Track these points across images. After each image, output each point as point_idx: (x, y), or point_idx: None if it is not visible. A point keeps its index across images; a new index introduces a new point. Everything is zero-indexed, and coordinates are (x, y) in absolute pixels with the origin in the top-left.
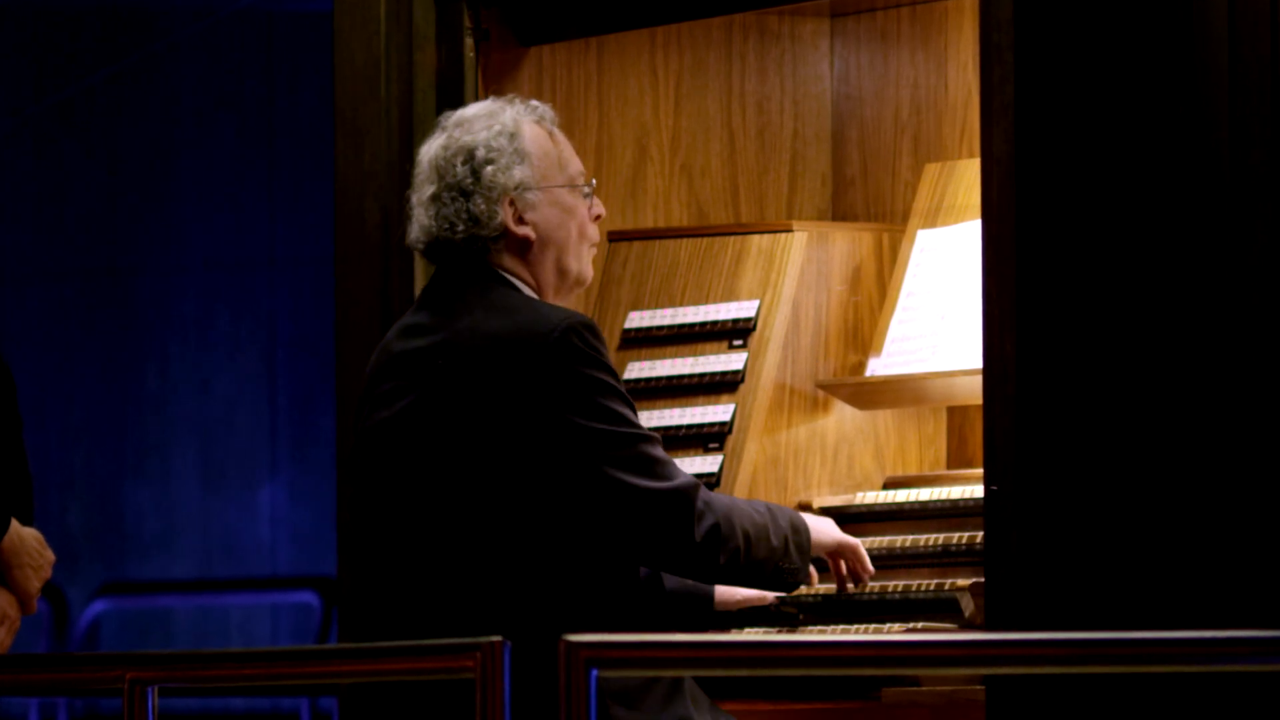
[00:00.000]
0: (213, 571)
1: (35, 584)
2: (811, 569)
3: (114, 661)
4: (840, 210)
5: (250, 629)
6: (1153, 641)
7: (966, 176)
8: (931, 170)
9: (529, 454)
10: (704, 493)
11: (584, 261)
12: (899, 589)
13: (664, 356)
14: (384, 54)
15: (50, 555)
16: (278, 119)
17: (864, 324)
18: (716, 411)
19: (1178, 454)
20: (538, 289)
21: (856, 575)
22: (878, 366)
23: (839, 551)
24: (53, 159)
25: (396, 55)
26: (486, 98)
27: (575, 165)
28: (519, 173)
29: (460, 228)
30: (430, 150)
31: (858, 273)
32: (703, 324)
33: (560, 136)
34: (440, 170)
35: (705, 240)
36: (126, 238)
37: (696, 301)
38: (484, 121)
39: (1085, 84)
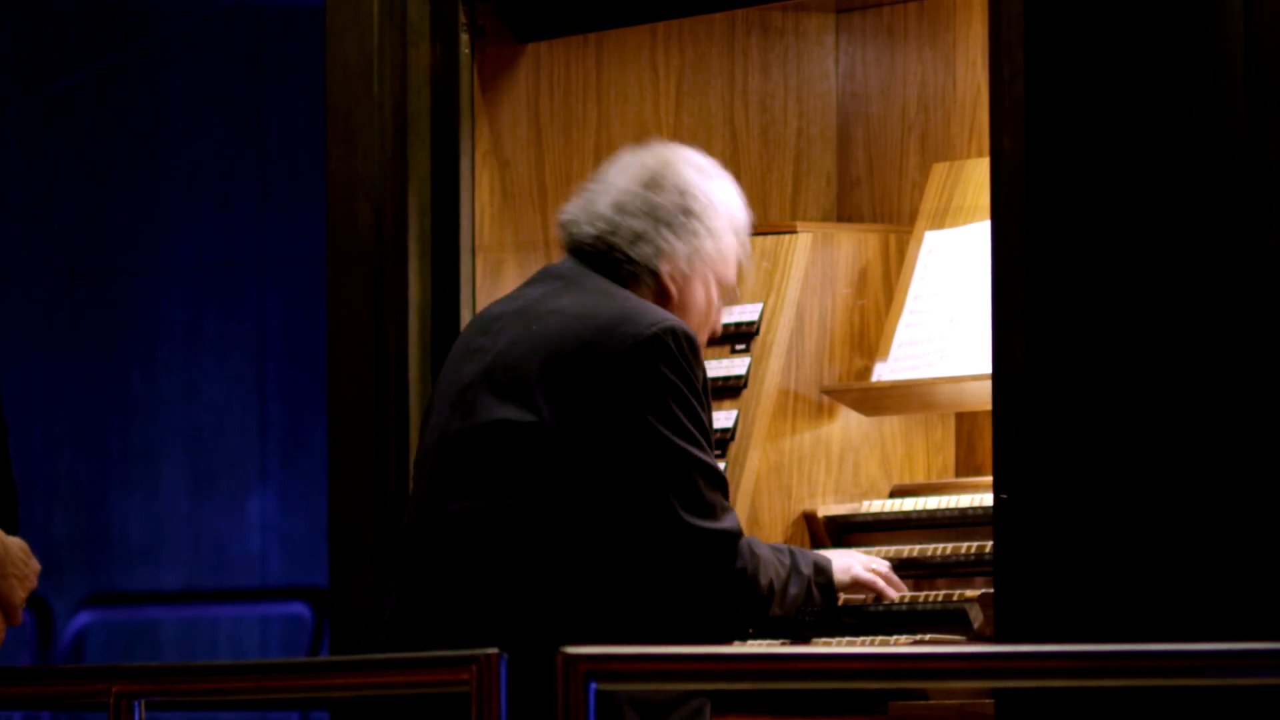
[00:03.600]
0: (201, 582)
1: (20, 594)
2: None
3: (100, 674)
4: (846, 211)
5: (240, 641)
6: (1167, 654)
7: (975, 176)
8: (939, 170)
9: (582, 441)
10: (745, 542)
11: (705, 335)
12: (906, 600)
13: None
14: (377, 51)
15: (35, 565)
16: (268, 117)
17: (870, 328)
18: (719, 418)
19: (1193, 461)
20: None
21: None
22: (884, 371)
23: (855, 588)
24: (38, 158)
25: (390, 52)
26: (482, 95)
27: (735, 275)
28: (708, 243)
29: (641, 247)
30: (645, 159)
31: (863, 275)
32: None
33: (744, 242)
34: (651, 185)
35: None
36: (113, 239)
37: None
38: (708, 176)
39: (1097, 81)
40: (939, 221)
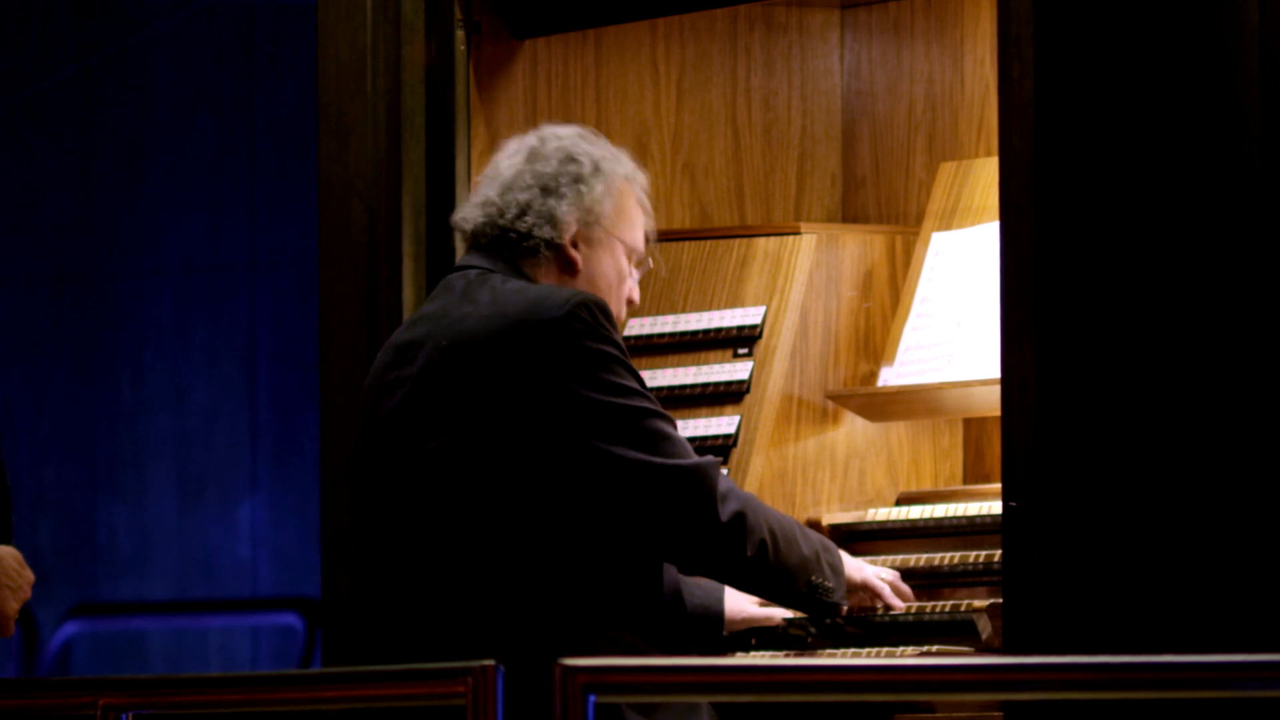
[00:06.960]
0: (190, 592)
1: (13, 605)
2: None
3: (86, 686)
4: (851, 211)
5: (229, 652)
6: (1179, 665)
7: (984, 176)
8: (947, 169)
9: (531, 437)
10: (725, 476)
11: (620, 308)
12: (913, 610)
13: (666, 366)
14: (370, 47)
15: (29, 575)
16: (258, 115)
17: (876, 331)
18: (721, 423)
19: (1205, 467)
20: None
21: (889, 607)
22: (890, 376)
23: (863, 590)
24: (22, 157)
25: (383, 48)
26: (478, 92)
27: (642, 240)
28: (603, 205)
29: (530, 219)
30: (526, 140)
31: (869, 277)
32: (706, 331)
33: (647, 209)
34: (533, 157)
35: (709, 243)
36: (99, 240)
37: (700, 308)
38: (595, 143)
39: (1108, 79)
40: (946, 222)
